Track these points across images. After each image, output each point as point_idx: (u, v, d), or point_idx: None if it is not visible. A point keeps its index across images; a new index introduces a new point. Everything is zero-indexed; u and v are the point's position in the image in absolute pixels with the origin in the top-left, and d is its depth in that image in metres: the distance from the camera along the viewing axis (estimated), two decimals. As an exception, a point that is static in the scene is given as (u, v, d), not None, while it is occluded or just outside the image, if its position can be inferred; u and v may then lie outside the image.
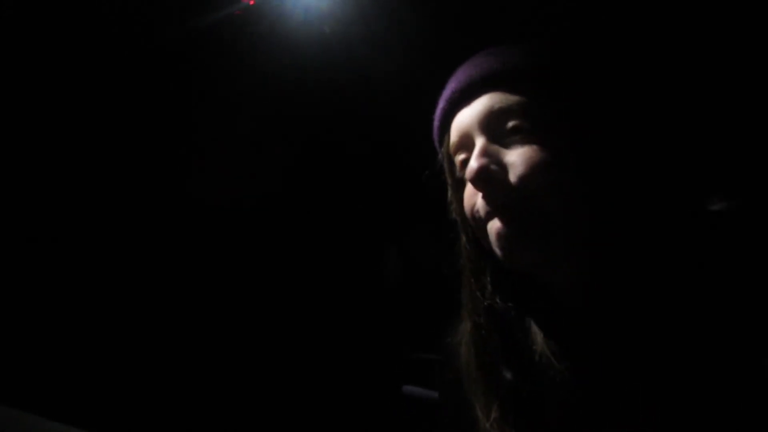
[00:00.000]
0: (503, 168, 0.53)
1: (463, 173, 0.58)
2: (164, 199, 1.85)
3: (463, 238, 0.62)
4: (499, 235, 0.53)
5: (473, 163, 0.54)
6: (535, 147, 0.52)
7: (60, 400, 1.46)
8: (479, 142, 0.55)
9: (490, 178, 0.53)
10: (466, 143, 0.58)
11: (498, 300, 0.58)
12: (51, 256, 1.70)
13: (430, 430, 1.46)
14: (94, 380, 1.64)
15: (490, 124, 0.55)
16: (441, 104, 0.61)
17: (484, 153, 0.54)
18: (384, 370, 1.87)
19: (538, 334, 0.55)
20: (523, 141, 0.53)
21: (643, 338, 0.49)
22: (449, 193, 0.63)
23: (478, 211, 0.56)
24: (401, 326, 1.92)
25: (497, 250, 0.54)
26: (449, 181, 0.63)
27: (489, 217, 0.54)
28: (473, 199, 0.56)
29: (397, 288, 1.97)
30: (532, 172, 0.51)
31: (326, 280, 1.95)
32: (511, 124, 0.54)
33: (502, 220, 0.53)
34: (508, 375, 0.55)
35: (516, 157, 0.53)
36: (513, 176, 0.52)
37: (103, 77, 1.70)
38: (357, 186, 1.97)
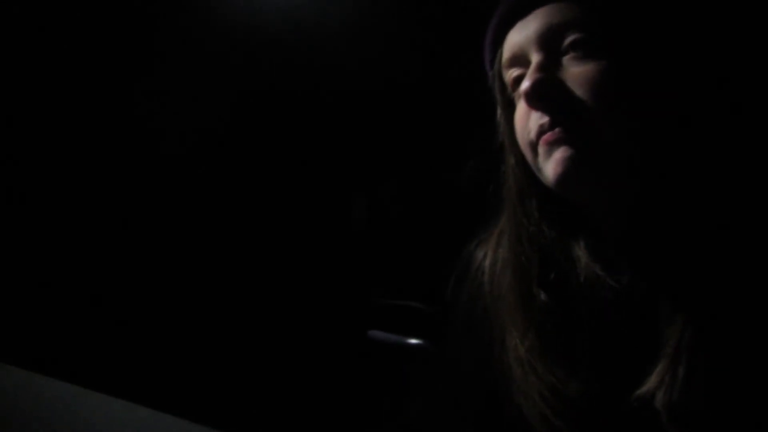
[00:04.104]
0: (560, 86, 0.50)
1: (515, 91, 0.56)
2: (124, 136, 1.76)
3: (512, 161, 0.59)
4: (553, 159, 0.50)
5: (528, 79, 0.51)
6: (595, 64, 0.49)
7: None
8: (535, 58, 0.52)
9: (546, 95, 0.50)
10: (520, 60, 0.55)
11: (544, 226, 0.56)
12: None
13: (401, 372, 1.51)
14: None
15: (548, 40, 0.51)
16: (495, 19, 0.57)
17: (541, 68, 0.51)
18: (350, 316, 1.90)
19: (581, 259, 0.54)
20: (583, 58, 0.49)
21: (686, 265, 0.48)
22: (498, 113, 0.61)
23: (530, 132, 0.53)
24: (368, 272, 1.95)
25: (549, 175, 0.51)
26: (499, 99, 0.60)
27: (542, 139, 0.51)
28: (525, 119, 0.54)
29: (363, 233, 1.97)
30: (591, 92, 0.49)
31: (292, 225, 1.94)
32: (569, 38, 0.50)
33: (556, 142, 0.50)
34: (549, 301, 0.54)
35: (574, 76, 0.49)
36: (570, 95, 0.49)
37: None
38: (324, 132, 1.94)
